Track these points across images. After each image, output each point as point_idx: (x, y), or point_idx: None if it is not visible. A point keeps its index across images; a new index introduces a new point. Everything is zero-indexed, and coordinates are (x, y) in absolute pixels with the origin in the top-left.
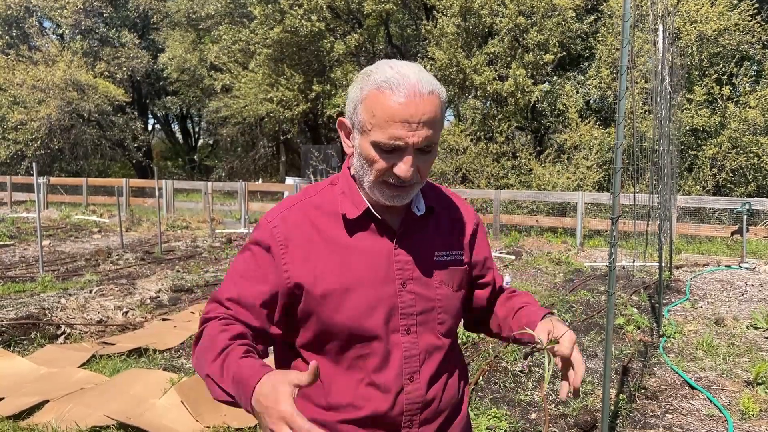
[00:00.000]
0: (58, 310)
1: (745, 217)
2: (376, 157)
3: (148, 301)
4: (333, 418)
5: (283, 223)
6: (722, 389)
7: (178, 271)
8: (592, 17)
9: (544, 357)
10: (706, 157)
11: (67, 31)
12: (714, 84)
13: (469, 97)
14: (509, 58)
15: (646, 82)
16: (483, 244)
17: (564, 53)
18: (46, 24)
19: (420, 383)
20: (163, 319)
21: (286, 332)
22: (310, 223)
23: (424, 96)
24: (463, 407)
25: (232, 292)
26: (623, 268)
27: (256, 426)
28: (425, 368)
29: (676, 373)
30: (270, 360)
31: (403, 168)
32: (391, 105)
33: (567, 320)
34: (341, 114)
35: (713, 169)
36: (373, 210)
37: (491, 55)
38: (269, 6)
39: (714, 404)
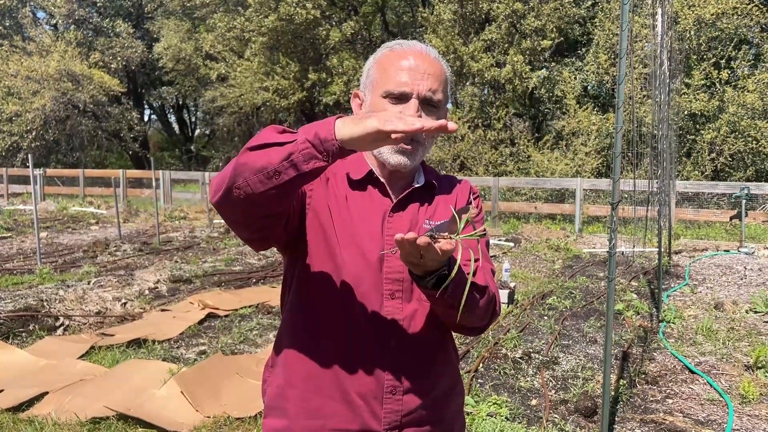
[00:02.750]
0: (57, 301)
1: (743, 201)
2: (385, 107)
3: (147, 292)
4: (318, 381)
5: None
6: (722, 373)
7: (176, 261)
8: (590, 2)
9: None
10: (704, 142)
11: (60, 21)
12: (712, 68)
13: (467, 84)
14: (507, 45)
15: (644, 66)
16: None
17: (562, 39)
18: (40, 14)
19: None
20: (162, 310)
21: (291, 253)
22: (325, 176)
23: (430, 57)
24: (455, 381)
25: None
26: (622, 253)
27: (256, 416)
28: (409, 334)
29: (676, 358)
30: (267, 352)
31: (410, 114)
32: (401, 58)
33: (567, 306)
34: (338, 102)
35: (712, 154)
36: (376, 172)
37: (488, 42)
38: None
39: (714, 388)
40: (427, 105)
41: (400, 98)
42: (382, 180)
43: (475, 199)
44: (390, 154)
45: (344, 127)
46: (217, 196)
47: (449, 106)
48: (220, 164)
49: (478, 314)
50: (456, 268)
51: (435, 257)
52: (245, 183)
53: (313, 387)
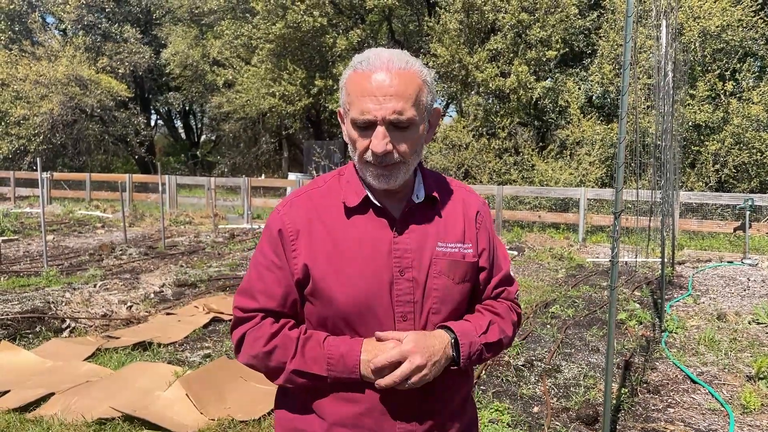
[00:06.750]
0: (63, 304)
1: (747, 213)
2: (355, 136)
3: (152, 295)
4: (330, 407)
5: (291, 210)
6: (724, 384)
7: (181, 266)
8: (595, 14)
9: None
10: (708, 153)
11: (69, 27)
12: (717, 80)
13: (472, 93)
14: (512, 55)
15: (648, 77)
16: (484, 231)
17: (567, 49)
18: (49, 19)
19: None
20: (167, 314)
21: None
22: (315, 211)
23: (393, 71)
24: (468, 405)
25: (263, 285)
26: (626, 263)
27: (260, 419)
28: None
29: (678, 367)
30: None
31: (375, 142)
32: (363, 81)
33: (569, 315)
34: None
35: (716, 165)
36: (372, 197)
37: (494, 52)
38: (271, 1)
39: (716, 398)
40: (396, 127)
41: (366, 127)
42: (379, 204)
43: (482, 216)
44: (374, 180)
45: (366, 370)
46: (251, 366)
47: (453, 114)
48: (225, 169)
49: (506, 348)
50: (464, 356)
51: (427, 373)
52: (293, 386)
53: (327, 415)
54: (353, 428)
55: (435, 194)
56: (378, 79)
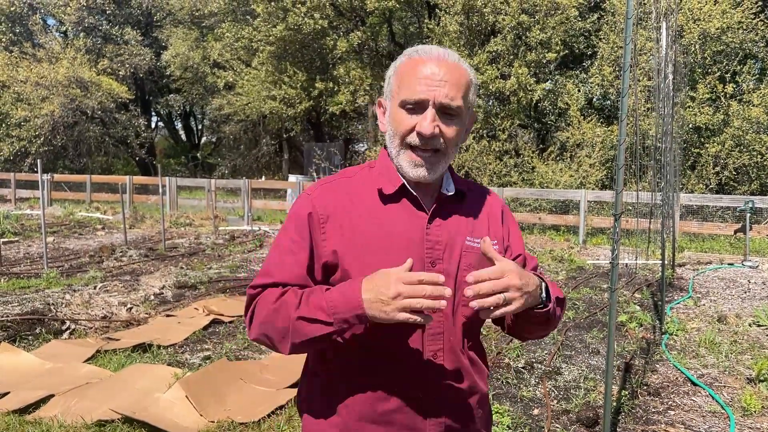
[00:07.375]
0: (63, 305)
1: (748, 215)
2: (402, 117)
3: (152, 297)
4: (361, 405)
5: (322, 195)
6: (724, 386)
7: (181, 267)
8: (595, 15)
9: None
10: (709, 155)
11: (70, 28)
12: (717, 82)
13: None
14: (512, 57)
15: (649, 79)
16: (507, 229)
17: (567, 51)
18: (50, 21)
19: (443, 361)
20: (167, 315)
21: None
22: (347, 197)
23: (448, 62)
24: (485, 400)
25: (281, 266)
26: (626, 265)
27: (260, 421)
28: (447, 349)
29: (679, 369)
30: (271, 359)
31: (425, 124)
32: (417, 66)
33: (570, 317)
34: (344, 112)
35: (716, 167)
36: (408, 186)
37: (494, 54)
38: (272, 4)
39: (716, 401)
40: (445, 113)
41: (417, 107)
42: (414, 193)
43: (505, 215)
44: (410, 168)
45: (372, 309)
46: (261, 339)
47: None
48: (226, 171)
49: (554, 327)
50: (552, 301)
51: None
52: (292, 346)
53: (357, 412)
54: (385, 425)
55: (464, 190)
56: (433, 65)
